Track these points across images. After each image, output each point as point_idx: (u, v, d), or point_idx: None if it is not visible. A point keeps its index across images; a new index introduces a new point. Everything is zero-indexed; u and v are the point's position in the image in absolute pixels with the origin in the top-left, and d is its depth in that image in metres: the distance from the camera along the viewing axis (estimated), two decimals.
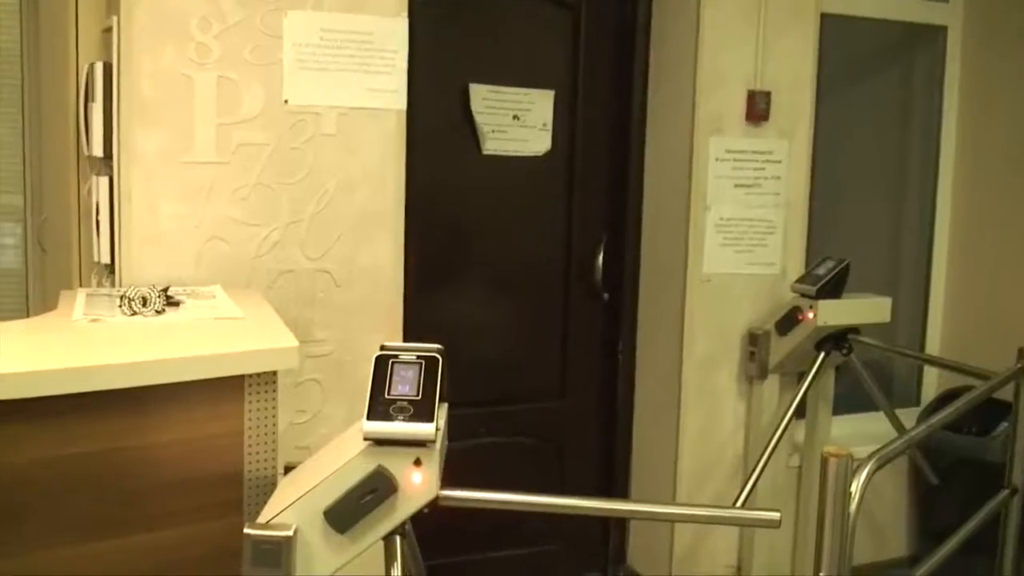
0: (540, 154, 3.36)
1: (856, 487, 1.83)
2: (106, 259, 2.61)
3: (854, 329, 3.22)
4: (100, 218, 2.60)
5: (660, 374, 3.48)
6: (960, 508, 2.77)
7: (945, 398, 3.54)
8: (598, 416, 3.64)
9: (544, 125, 3.34)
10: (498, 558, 3.45)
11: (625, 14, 3.48)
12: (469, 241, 3.37)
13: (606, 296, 3.55)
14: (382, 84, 2.78)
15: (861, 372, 3.25)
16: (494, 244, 3.41)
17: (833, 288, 3.17)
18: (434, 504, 1.65)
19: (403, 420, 1.60)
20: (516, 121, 3.29)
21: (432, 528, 1.77)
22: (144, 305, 2.10)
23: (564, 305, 3.52)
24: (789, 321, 3.22)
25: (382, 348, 1.69)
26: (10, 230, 3.39)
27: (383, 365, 1.66)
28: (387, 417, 1.60)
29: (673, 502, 3.37)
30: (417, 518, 1.67)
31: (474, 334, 3.38)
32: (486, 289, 3.42)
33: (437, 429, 1.61)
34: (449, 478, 1.69)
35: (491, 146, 3.27)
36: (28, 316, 2.95)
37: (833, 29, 3.54)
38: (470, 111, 3.23)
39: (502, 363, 3.45)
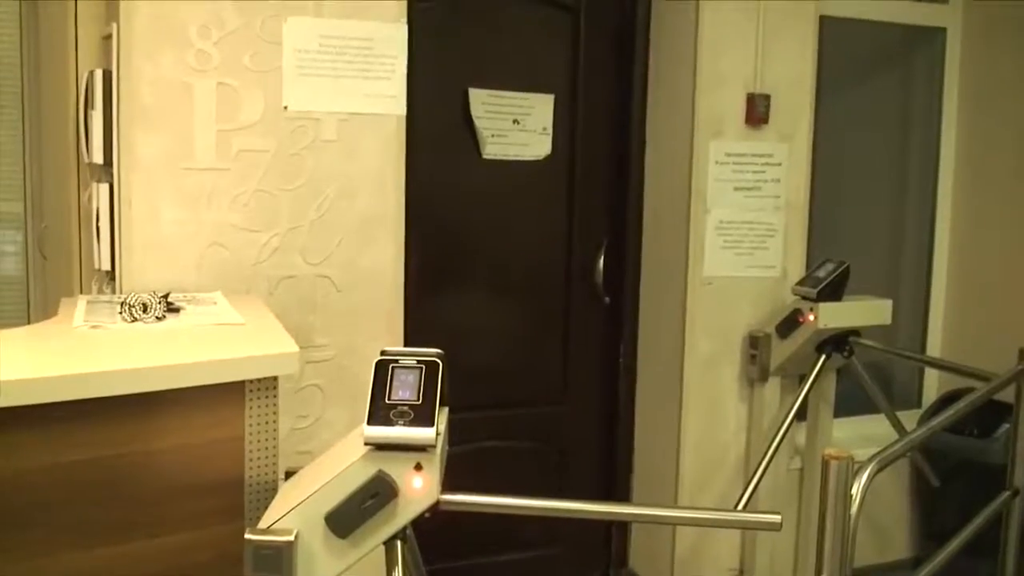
0: (540, 158, 3.36)
1: (857, 489, 1.83)
2: (107, 266, 2.61)
3: (855, 331, 3.22)
4: (100, 225, 2.60)
5: (661, 377, 3.48)
6: (961, 510, 2.76)
7: (946, 400, 3.54)
8: (599, 419, 3.64)
9: (544, 129, 3.35)
10: (499, 562, 3.44)
11: (624, 17, 3.49)
12: (470, 246, 3.37)
13: (607, 300, 3.55)
14: (382, 89, 2.78)
15: (862, 374, 3.25)
16: (495, 249, 3.41)
17: (834, 290, 3.17)
18: (435, 509, 1.65)
19: (404, 425, 1.60)
20: (516, 125, 3.30)
21: (433, 532, 1.77)
22: (145, 311, 2.11)
23: (565, 309, 3.52)
24: (790, 323, 3.22)
25: (382, 353, 1.70)
26: (11, 237, 3.40)
27: (383, 370, 1.66)
28: (388, 422, 1.60)
29: (675, 505, 3.37)
30: (418, 523, 1.67)
31: (475, 338, 3.38)
32: (487, 293, 3.42)
33: (438, 434, 1.61)
34: (450, 482, 1.70)
35: (491, 151, 3.27)
36: (29, 323, 2.95)
37: (832, 31, 3.54)
38: (470, 116, 3.23)
39: (503, 367, 3.45)
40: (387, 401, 1.62)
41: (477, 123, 3.24)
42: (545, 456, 3.54)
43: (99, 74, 2.59)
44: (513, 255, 3.44)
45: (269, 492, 1.89)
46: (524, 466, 3.48)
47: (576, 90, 3.42)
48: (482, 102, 3.24)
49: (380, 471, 1.61)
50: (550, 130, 3.36)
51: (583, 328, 3.55)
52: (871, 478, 1.88)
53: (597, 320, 3.58)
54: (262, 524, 1.62)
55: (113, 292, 2.58)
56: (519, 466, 3.47)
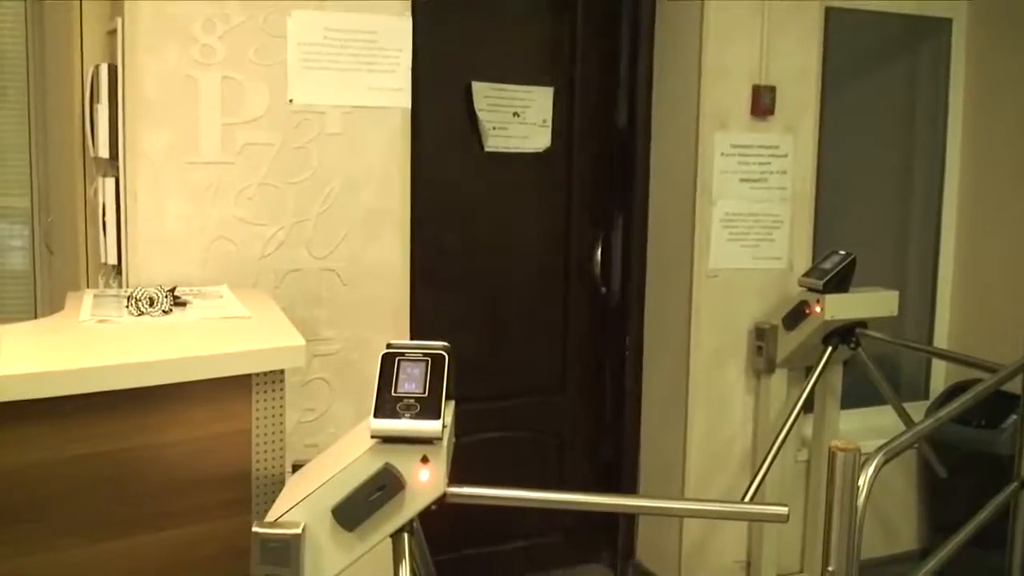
0: (540, 150, 3.36)
1: (864, 481, 1.83)
2: (113, 260, 2.62)
3: (861, 323, 3.22)
4: (107, 219, 2.60)
5: (668, 369, 3.48)
6: (969, 501, 2.76)
7: (953, 391, 3.53)
8: (601, 410, 3.64)
9: (544, 121, 3.35)
10: (503, 551, 3.45)
11: (627, 9, 3.48)
12: (472, 237, 3.37)
13: (603, 290, 3.56)
14: (386, 83, 2.78)
15: (869, 366, 3.24)
16: (497, 240, 3.41)
17: (840, 282, 3.16)
18: (442, 501, 1.66)
19: (410, 418, 1.60)
20: (516, 118, 3.30)
21: (435, 523, 1.77)
22: (151, 305, 2.11)
23: (565, 299, 3.52)
24: (796, 315, 3.22)
25: (388, 346, 1.70)
26: (17, 232, 3.40)
27: (389, 363, 1.66)
28: (394, 415, 1.60)
29: (681, 497, 3.37)
30: (425, 515, 1.67)
31: (478, 328, 3.38)
32: (490, 284, 3.42)
33: (444, 426, 1.61)
34: (454, 474, 1.70)
35: (493, 143, 3.27)
36: (36, 317, 2.96)
37: (838, 22, 3.53)
38: (472, 109, 3.23)
39: (505, 357, 3.46)
40: (393, 394, 1.62)
41: (480, 116, 3.23)
42: (546, 446, 3.54)
43: (104, 69, 2.59)
44: (515, 246, 3.44)
45: (276, 485, 1.89)
46: (526, 456, 3.49)
47: (575, 83, 3.41)
48: (484, 95, 3.24)
49: (387, 464, 1.61)
50: (550, 123, 3.36)
51: (585, 319, 3.55)
52: (878, 469, 1.88)
53: (597, 311, 3.58)
54: (269, 517, 1.63)
55: (119, 286, 2.58)
56: (521, 456, 3.47)
